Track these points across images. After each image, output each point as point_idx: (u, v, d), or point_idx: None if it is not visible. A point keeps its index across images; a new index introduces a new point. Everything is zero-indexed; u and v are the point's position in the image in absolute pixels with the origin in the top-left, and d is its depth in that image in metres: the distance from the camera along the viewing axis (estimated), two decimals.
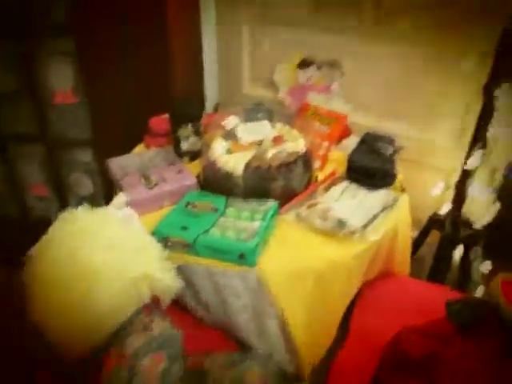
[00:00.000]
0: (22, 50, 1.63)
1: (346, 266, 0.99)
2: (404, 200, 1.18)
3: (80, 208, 0.81)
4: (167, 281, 0.83)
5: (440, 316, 0.95)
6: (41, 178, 1.98)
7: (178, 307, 1.04)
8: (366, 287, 1.22)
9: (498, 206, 1.28)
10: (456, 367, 0.78)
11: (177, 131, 1.29)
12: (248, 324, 1.03)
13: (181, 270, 0.98)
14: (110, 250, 0.77)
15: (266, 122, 1.18)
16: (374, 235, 1.02)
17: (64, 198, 2.02)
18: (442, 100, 1.34)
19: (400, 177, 1.24)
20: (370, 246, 1.02)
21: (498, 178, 1.26)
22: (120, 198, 0.90)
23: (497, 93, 1.12)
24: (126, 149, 1.42)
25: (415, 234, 1.43)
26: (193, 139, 1.30)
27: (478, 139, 1.19)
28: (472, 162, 1.21)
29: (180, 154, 1.32)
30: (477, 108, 1.18)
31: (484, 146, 1.19)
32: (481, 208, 1.31)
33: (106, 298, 0.76)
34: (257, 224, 0.98)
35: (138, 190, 1.09)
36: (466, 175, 1.24)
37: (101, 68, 1.61)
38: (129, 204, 1.08)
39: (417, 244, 1.44)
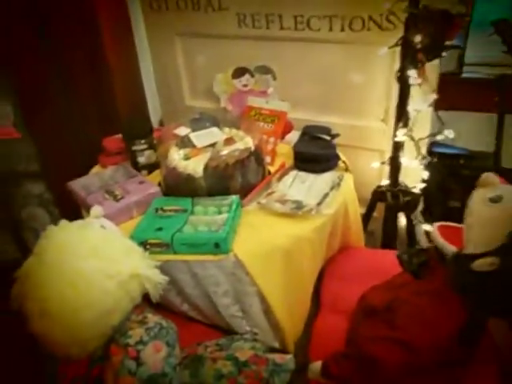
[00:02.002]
0: None
1: (308, 240, 1.11)
2: (348, 178, 1.33)
3: (59, 223, 0.86)
4: (154, 277, 0.90)
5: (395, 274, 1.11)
6: None
7: (165, 310, 1.11)
8: (330, 261, 1.35)
9: (426, 173, 1.47)
10: (410, 304, 0.92)
11: (132, 148, 1.36)
12: (231, 308, 1.11)
13: (163, 270, 1.05)
14: (94, 257, 0.82)
15: (214, 129, 1.29)
16: (328, 209, 1.16)
17: (19, 235, 1.99)
18: (367, 89, 1.52)
19: (342, 157, 1.39)
20: (327, 219, 1.15)
21: (424, 148, 1.45)
22: (97, 209, 0.96)
23: (407, 77, 1.30)
24: (78, 173, 1.45)
25: (363, 210, 1.59)
26: (148, 153, 1.37)
27: (401, 118, 1.37)
28: (398, 138, 1.38)
29: (138, 169, 1.39)
30: (395, 93, 1.36)
31: (405, 124, 1.37)
32: (413, 177, 1.49)
33: (98, 303, 0.81)
34: (224, 216, 1.07)
35: (105, 205, 1.14)
36: (396, 150, 1.42)
37: (40, 101, 1.63)
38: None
39: (366, 218, 1.59)
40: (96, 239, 0.86)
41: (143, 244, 1.03)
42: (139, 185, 1.24)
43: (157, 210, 1.13)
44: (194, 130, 1.37)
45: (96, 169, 1.46)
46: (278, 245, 1.07)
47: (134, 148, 1.36)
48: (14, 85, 1.62)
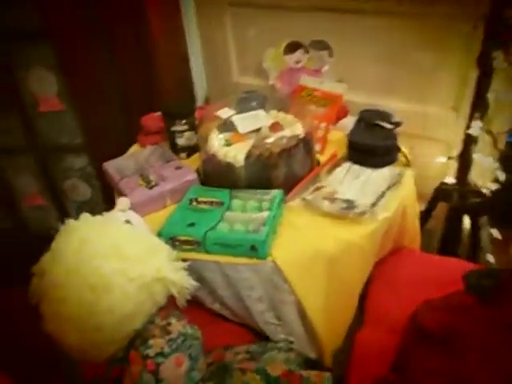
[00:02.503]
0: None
1: (358, 246, 0.98)
2: (409, 174, 1.16)
3: (80, 217, 0.78)
4: (180, 281, 0.81)
5: (455, 288, 0.95)
6: (35, 187, 1.95)
7: (195, 305, 1.02)
8: (379, 264, 1.20)
9: (501, 172, 1.27)
10: (482, 340, 0.77)
11: (171, 128, 1.26)
12: (266, 314, 1.01)
13: (192, 268, 0.96)
14: (116, 257, 0.74)
15: (260, 111, 1.15)
16: (384, 213, 1.01)
17: (62, 206, 1.99)
18: (437, 72, 1.32)
19: (404, 151, 1.22)
20: (381, 224, 1.00)
21: (502, 143, 1.24)
22: (123, 202, 0.87)
23: (491, 62, 1.10)
24: (121, 149, 1.40)
25: (421, 207, 1.42)
26: (188, 134, 1.27)
27: (477, 108, 1.17)
28: (473, 131, 1.19)
29: (176, 151, 1.29)
30: (473, 76, 1.16)
31: (483, 115, 1.18)
32: (485, 176, 1.29)
33: (119, 307, 0.73)
34: (265, 214, 0.96)
35: (137, 191, 1.06)
36: (468, 144, 1.23)
37: (84, 73, 1.56)
38: (131, 207, 1.06)
39: (424, 217, 1.42)
40: (118, 236, 0.77)
41: (172, 240, 0.94)
42: (175, 170, 1.14)
43: (191, 201, 1.03)
44: (239, 112, 1.25)
45: (134, 148, 1.39)
46: (322, 251, 0.95)
47: (174, 128, 1.27)
48: (58, 56, 1.56)
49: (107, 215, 0.84)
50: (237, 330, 1.10)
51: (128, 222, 0.84)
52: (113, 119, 1.70)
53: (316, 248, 0.95)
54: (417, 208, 1.25)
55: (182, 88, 1.77)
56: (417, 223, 1.28)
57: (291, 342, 1.04)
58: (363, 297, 1.13)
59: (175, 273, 0.81)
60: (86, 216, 0.79)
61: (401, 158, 1.19)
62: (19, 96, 1.67)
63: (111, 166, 1.20)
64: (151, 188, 1.08)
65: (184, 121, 1.26)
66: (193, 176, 1.12)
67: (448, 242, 1.37)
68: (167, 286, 0.80)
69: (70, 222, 0.77)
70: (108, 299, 0.73)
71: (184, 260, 0.85)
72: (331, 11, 1.37)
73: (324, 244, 0.95)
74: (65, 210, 2.00)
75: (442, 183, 1.35)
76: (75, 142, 1.79)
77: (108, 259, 0.74)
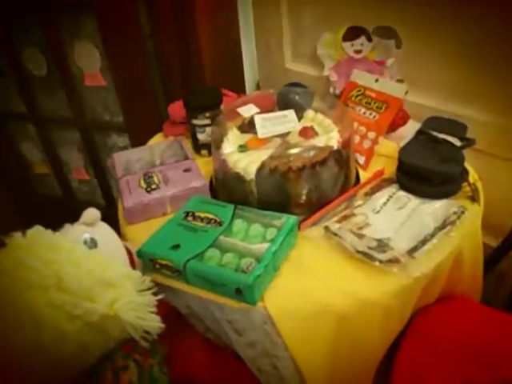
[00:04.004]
0: (44, 31, 1.53)
1: (380, 306, 0.75)
2: (475, 213, 0.89)
3: (29, 232, 0.65)
4: (140, 323, 0.66)
5: None
6: (81, 162, 1.93)
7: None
8: (419, 316, 0.95)
9: None
10: None
11: (192, 121, 1.10)
12: (258, 361, 0.83)
13: (175, 294, 0.82)
14: (56, 288, 0.60)
15: (290, 112, 0.94)
16: (422, 267, 0.76)
17: (105, 182, 1.96)
18: None
19: (472, 178, 0.94)
20: (416, 282, 0.76)
21: None
22: (90, 214, 0.73)
23: None
24: (159, 131, 1.30)
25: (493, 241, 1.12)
26: (210, 129, 1.10)
27: None
28: None
29: (197, 147, 1.13)
30: None
31: None
32: None
33: (52, 348, 0.60)
34: (264, 247, 0.76)
35: (134, 194, 0.92)
36: None
37: (124, 48, 1.45)
38: (124, 211, 0.92)
39: (496, 257, 1.13)
40: (66, 262, 0.63)
41: (152, 262, 0.79)
42: (183, 173, 0.98)
43: (187, 214, 0.86)
44: (280, 103, 1.06)
45: (156, 138, 1.25)
46: (329, 305, 0.73)
47: (195, 122, 1.10)
48: (101, 29, 1.46)
49: (65, 230, 0.70)
50: (232, 360, 0.94)
51: (92, 240, 0.70)
52: (153, 100, 1.58)
53: (323, 301, 0.73)
54: (480, 252, 0.97)
55: (230, 70, 1.60)
56: (479, 271, 1.00)
57: None
58: (390, 359, 0.90)
59: (135, 312, 0.66)
60: (36, 231, 0.66)
61: (465, 188, 0.92)
62: (67, 67, 1.62)
63: (121, 158, 1.07)
64: (150, 191, 0.93)
65: (207, 114, 1.09)
66: (200, 182, 0.95)
67: None
68: (123, 327, 0.66)
69: (15, 236, 0.64)
70: (37, 339, 0.60)
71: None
72: None
73: (333, 298, 0.73)
74: (108, 187, 1.97)
75: None
76: (116, 120, 1.71)
77: (46, 291, 0.61)
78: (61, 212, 1.93)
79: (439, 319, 0.96)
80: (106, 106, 1.71)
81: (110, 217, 0.88)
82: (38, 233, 0.66)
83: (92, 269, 0.65)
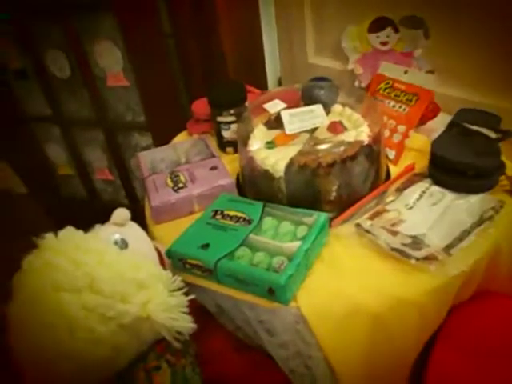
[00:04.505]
0: (65, 30, 1.53)
1: (415, 306, 0.72)
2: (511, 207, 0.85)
3: (60, 232, 0.65)
4: (172, 324, 0.65)
5: None
6: (104, 162, 1.95)
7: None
8: (454, 314, 0.92)
9: None
10: None
11: (216, 118, 1.09)
12: (290, 362, 0.82)
13: (206, 293, 0.81)
14: (90, 290, 0.60)
15: (317, 107, 0.92)
16: (461, 264, 0.73)
17: (129, 182, 1.97)
18: None
19: (510, 172, 0.91)
20: (454, 280, 0.73)
21: None
22: (121, 214, 0.72)
23: None
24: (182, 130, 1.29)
25: None
26: (236, 126, 1.09)
27: None
28: None
29: (222, 145, 1.12)
30: None
31: None
32: None
33: (87, 354, 0.60)
34: (296, 245, 0.75)
35: (161, 193, 0.92)
36: None
37: (145, 48, 1.45)
38: (151, 210, 0.92)
39: None
40: (97, 263, 0.63)
41: (182, 262, 0.78)
42: (210, 171, 0.97)
43: (215, 213, 0.85)
44: (305, 99, 1.04)
45: (180, 136, 1.24)
46: (364, 305, 0.71)
47: (220, 119, 1.09)
48: (121, 28, 1.46)
49: (95, 231, 0.70)
50: (267, 362, 0.93)
51: (122, 241, 0.69)
52: (174, 99, 1.58)
53: (357, 301, 0.72)
54: None
55: (252, 66, 1.58)
56: None
57: None
58: (424, 358, 0.87)
59: (167, 313, 0.65)
60: (67, 232, 0.66)
61: (503, 181, 0.88)
62: (89, 68, 1.63)
63: (145, 158, 1.07)
64: (177, 190, 0.92)
65: (232, 110, 1.08)
66: (227, 181, 0.94)
67: None
68: (156, 328, 0.65)
69: (47, 237, 0.64)
70: (70, 343, 0.59)
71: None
72: None
73: (368, 297, 0.71)
74: (131, 187, 1.98)
75: None
76: (139, 120, 1.72)
77: (78, 293, 0.60)
78: (86, 213, 1.97)
79: (474, 318, 0.93)
80: (128, 105, 1.71)
81: (134, 217, 0.88)
82: (70, 234, 0.66)
83: (123, 270, 0.64)
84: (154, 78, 1.52)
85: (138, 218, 0.98)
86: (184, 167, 0.99)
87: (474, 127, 0.94)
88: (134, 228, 0.74)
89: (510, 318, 0.94)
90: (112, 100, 1.71)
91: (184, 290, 0.69)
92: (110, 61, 1.59)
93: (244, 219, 0.82)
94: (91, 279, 0.61)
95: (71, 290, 0.60)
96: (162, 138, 1.29)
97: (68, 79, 1.69)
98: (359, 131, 0.89)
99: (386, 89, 1.04)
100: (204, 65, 1.47)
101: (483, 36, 1.05)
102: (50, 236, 0.64)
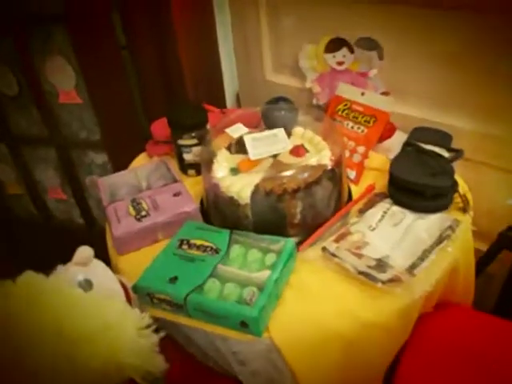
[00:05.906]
0: (16, 46, 1.46)
1: (385, 327, 0.75)
2: (467, 223, 0.90)
3: (19, 278, 0.61)
4: (143, 366, 0.63)
5: None
6: (57, 181, 1.87)
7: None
8: (417, 326, 0.95)
9: None
10: None
11: (177, 141, 1.07)
12: None
13: (176, 326, 0.79)
14: (54, 334, 0.57)
15: (279, 130, 0.93)
16: (424, 284, 0.76)
17: (83, 201, 1.90)
18: None
19: (462, 189, 0.95)
20: (420, 298, 0.76)
21: None
22: (83, 253, 0.70)
23: None
24: (140, 149, 1.26)
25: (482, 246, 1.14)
26: (197, 149, 1.08)
27: None
28: None
29: (184, 167, 1.11)
30: None
31: None
32: None
33: None
34: (265, 274, 0.75)
35: (122, 223, 0.89)
36: None
37: (99, 64, 1.40)
38: (113, 241, 0.89)
39: (483, 262, 1.15)
40: (63, 308, 0.60)
41: (150, 296, 0.76)
42: (173, 197, 0.95)
43: (181, 243, 0.84)
44: (265, 118, 1.05)
45: (139, 159, 1.21)
46: (337, 331, 0.73)
47: (181, 142, 1.07)
48: (74, 42, 1.40)
49: (58, 273, 0.67)
50: None
51: (86, 282, 0.67)
52: (131, 117, 1.54)
53: (328, 327, 0.73)
54: (472, 260, 0.99)
55: (210, 83, 1.57)
56: (471, 278, 1.01)
57: None
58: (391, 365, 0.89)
59: (135, 354, 0.63)
60: (27, 277, 0.62)
61: (456, 200, 0.93)
62: (39, 85, 1.56)
63: (105, 183, 1.03)
64: (140, 219, 0.90)
65: (193, 133, 1.07)
66: (191, 206, 0.93)
67: (509, 301, 1.10)
68: (123, 370, 0.63)
69: (5, 284, 0.61)
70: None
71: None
72: (384, 2, 1.09)
73: (338, 323, 0.73)
74: (86, 206, 1.91)
75: (509, 228, 1.06)
76: (93, 139, 1.66)
77: (47, 340, 0.57)
78: (39, 233, 1.88)
79: (437, 328, 0.97)
80: (83, 123, 1.65)
81: (92, 237, 0.84)
82: (30, 279, 0.62)
83: (89, 312, 0.61)
84: (109, 95, 1.47)
85: (97, 241, 0.94)
86: (146, 194, 0.97)
87: (428, 146, 0.99)
88: (98, 266, 0.71)
89: (468, 328, 0.99)
90: (65, 117, 1.64)
91: (153, 327, 0.67)
92: (62, 77, 1.53)
93: (211, 248, 0.82)
94: (59, 324, 0.58)
95: (40, 338, 0.57)
96: (120, 158, 1.26)
97: (16, 96, 1.61)
98: (322, 155, 0.90)
99: (344, 110, 1.07)
100: (162, 79, 1.45)
101: (437, 58, 1.09)
102: (8, 283, 0.61)
